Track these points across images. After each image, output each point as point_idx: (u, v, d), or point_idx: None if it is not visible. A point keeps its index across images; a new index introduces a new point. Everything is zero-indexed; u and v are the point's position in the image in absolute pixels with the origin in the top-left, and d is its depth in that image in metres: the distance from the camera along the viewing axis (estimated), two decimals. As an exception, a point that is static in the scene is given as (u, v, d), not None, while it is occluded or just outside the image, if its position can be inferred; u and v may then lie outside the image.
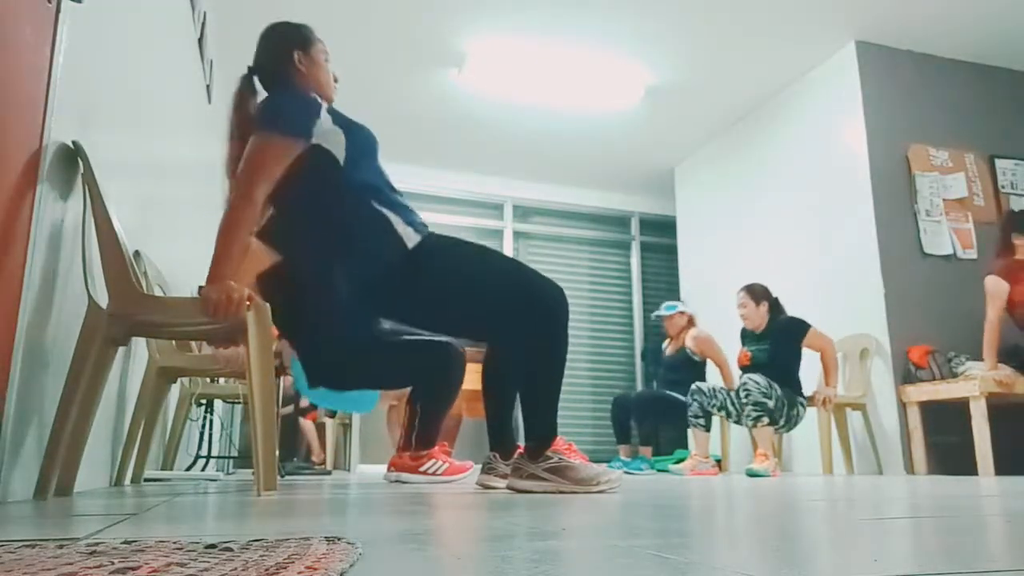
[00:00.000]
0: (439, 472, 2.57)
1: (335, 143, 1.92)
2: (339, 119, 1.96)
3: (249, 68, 2.08)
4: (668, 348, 5.01)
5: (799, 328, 4.01)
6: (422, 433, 2.56)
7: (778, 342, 4.02)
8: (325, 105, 1.96)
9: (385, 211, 1.93)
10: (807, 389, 4.03)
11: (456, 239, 2.05)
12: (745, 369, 4.14)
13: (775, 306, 4.17)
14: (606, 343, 6.72)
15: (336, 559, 0.61)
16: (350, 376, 2.24)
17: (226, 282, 1.69)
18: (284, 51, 2.06)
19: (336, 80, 2.15)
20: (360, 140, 1.97)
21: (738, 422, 4.07)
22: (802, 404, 3.94)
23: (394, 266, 1.92)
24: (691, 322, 4.96)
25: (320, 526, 0.95)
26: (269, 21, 2.14)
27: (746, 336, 4.22)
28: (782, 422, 3.90)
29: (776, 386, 3.86)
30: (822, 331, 4.01)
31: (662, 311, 5.05)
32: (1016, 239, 3.77)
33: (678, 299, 5.10)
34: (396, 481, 2.58)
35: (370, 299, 1.99)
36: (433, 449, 2.59)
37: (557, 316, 1.96)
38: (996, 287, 3.67)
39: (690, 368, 4.74)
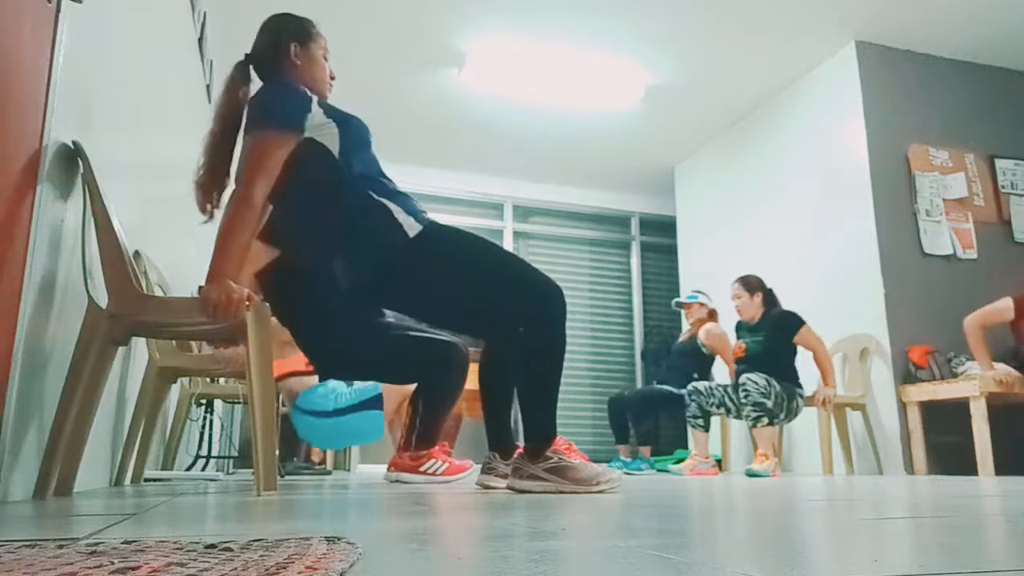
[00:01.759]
0: (439, 472, 2.56)
1: (328, 136, 1.91)
2: (330, 112, 1.95)
3: (246, 55, 2.08)
4: (683, 335, 5.06)
5: (792, 323, 4.01)
6: (422, 433, 2.55)
7: (772, 335, 4.02)
8: (316, 99, 1.95)
9: (385, 201, 1.93)
10: (806, 386, 4.04)
11: (458, 229, 2.05)
12: (739, 361, 4.14)
13: (769, 297, 4.17)
14: (606, 343, 6.71)
15: (336, 559, 0.61)
16: (357, 366, 2.24)
17: (226, 282, 1.68)
18: (280, 43, 2.04)
19: (332, 77, 2.15)
20: (353, 132, 1.96)
21: (738, 417, 4.07)
22: (800, 396, 3.96)
23: (396, 255, 1.92)
24: (711, 316, 4.99)
25: (320, 526, 0.95)
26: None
27: (741, 328, 4.23)
28: (782, 416, 3.93)
29: (774, 382, 3.88)
30: (814, 330, 4.01)
31: (682, 299, 5.10)
32: None
33: (695, 292, 5.12)
34: (396, 481, 2.57)
35: (372, 288, 1.98)
36: (433, 449, 2.59)
37: (554, 315, 1.96)
38: (1005, 307, 3.67)
39: (697, 359, 4.76)
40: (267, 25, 2.10)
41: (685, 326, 5.18)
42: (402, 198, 1.97)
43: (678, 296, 6.18)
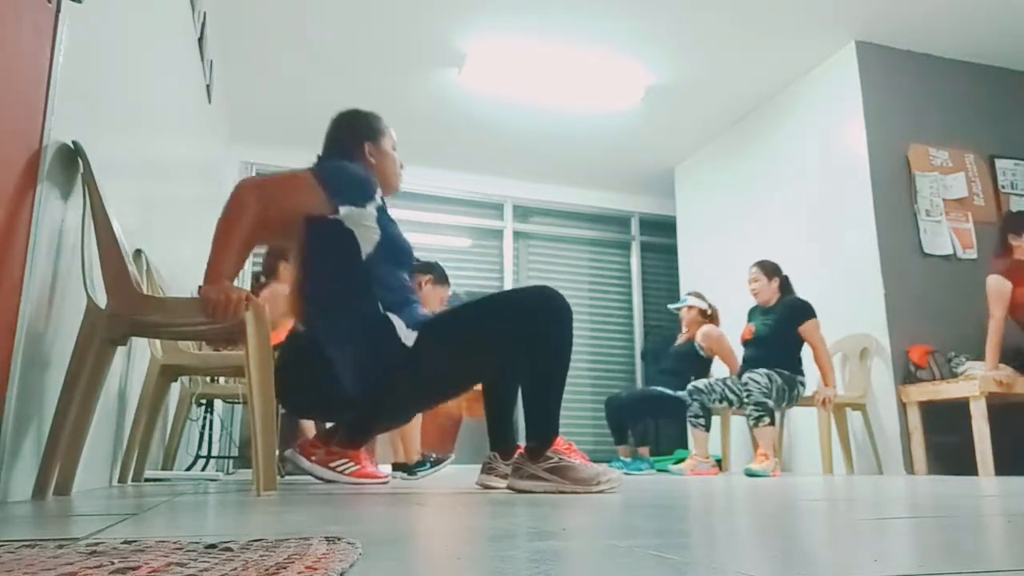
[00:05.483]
0: (347, 472, 2.54)
1: (366, 237, 1.93)
2: (385, 220, 1.97)
3: (319, 156, 2.10)
4: (680, 337, 5.04)
5: (802, 311, 4.05)
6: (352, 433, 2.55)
7: (783, 319, 4.07)
8: (379, 201, 1.97)
9: (390, 315, 1.92)
10: (807, 386, 4.04)
11: (447, 311, 2.07)
12: (747, 344, 4.18)
13: (785, 283, 4.23)
14: (606, 343, 6.71)
15: (336, 559, 0.61)
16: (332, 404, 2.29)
17: (224, 282, 1.69)
18: (355, 143, 2.09)
19: (402, 166, 2.18)
20: (393, 249, 1.98)
21: (741, 407, 4.07)
22: (801, 384, 4.02)
23: (394, 367, 1.93)
24: (705, 316, 4.94)
25: (320, 526, 0.95)
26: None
27: (754, 312, 4.28)
28: (784, 404, 4.00)
29: (775, 377, 3.90)
30: (820, 328, 4.02)
31: (674, 304, 5.12)
32: (1013, 240, 3.78)
33: (687, 295, 5.10)
34: (297, 467, 2.54)
35: (376, 395, 2.00)
36: (356, 452, 2.57)
37: (553, 317, 1.95)
38: (999, 286, 3.66)
39: (693, 361, 4.73)
40: (337, 124, 2.14)
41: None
42: (407, 311, 1.96)
43: (678, 297, 6.18)
